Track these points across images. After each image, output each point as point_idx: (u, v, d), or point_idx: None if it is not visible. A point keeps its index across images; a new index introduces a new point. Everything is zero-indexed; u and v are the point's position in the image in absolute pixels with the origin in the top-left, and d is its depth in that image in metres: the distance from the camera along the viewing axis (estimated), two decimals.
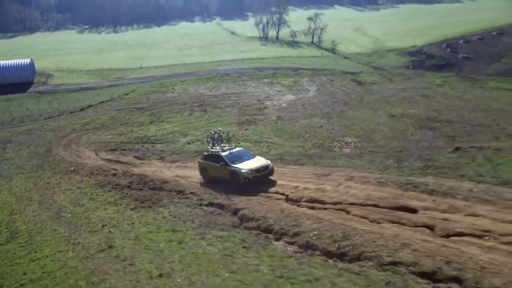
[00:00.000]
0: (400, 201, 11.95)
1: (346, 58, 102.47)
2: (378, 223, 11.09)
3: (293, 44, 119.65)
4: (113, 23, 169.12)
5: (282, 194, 14.85)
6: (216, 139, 19.97)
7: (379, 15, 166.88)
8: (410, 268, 8.62)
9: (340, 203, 12.51)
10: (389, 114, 33.18)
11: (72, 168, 24.00)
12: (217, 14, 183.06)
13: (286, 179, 16.46)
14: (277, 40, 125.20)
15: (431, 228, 10.09)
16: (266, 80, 45.16)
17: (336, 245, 9.94)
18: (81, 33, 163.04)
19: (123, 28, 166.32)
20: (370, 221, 11.30)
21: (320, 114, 34.16)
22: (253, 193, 16.15)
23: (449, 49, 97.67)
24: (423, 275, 8.42)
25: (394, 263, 8.88)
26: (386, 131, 30.17)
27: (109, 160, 24.96)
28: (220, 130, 20.78)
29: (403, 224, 10.52)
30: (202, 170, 18.94)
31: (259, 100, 38.83)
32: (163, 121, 35.96)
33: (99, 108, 43.38)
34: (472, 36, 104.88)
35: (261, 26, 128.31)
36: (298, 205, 13.40)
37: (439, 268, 8.36)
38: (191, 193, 17.13)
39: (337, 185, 14.04)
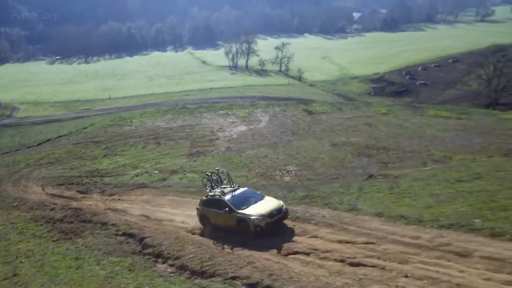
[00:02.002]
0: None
1: (311, 85, 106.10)
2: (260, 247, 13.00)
3: (261, 72, 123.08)
4: (85, 53, 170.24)
5: (184, 223, 16.26)
6: (215, 181, 17.30)
7: (346, 43, 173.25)
8: (244, 281, 10.63)
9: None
10: (332, 142, 35.00)
11: (15, 204, 24.67)
12: (189, 44, 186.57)
13: (193, 208, 17.66)
14: (246, 69, 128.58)
15: (278, 249, 12.04)
16: (222, 111, 46.81)
17: (200, 265, 11.65)
18: (51, 64, 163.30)
19: (94, 58, 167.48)
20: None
21: (267, 144, 35.74)
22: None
23: (408, 76, 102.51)
24: (250, 285, 10.56)
25: (234, 278, 10.80)
26: (326, 159, 31.87)
27: (53, 195, 25.73)
28: (217, 169, 17.89)
29: (263, 246, 12.41)
30: (202, 218, 16.49)
31: (212, 132, 40.30)
32: (116, 154, 36.87)
33: (56, 143, 44.02)
34: (430, 63, 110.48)
35: (230, 55, 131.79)
36: (194, 233, 15.03)
37: (261, 279, 10.11)
38: (112, 224, 18.18)
39: None
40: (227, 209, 15.25)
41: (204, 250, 12.63)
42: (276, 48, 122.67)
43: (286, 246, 12.16)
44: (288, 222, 14.13)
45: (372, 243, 11.56)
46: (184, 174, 30.64)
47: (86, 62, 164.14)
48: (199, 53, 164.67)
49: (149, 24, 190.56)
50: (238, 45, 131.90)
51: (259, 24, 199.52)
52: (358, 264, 10.36)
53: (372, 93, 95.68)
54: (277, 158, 32.72)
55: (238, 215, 14.89)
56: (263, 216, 14.43)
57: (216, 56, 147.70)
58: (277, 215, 14.63)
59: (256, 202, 15.31)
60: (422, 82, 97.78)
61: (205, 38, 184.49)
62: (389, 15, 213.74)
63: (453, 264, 10.09)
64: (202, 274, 11.70)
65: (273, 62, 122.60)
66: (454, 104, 79.38)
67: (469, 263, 9.51)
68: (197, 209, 16.75)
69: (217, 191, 16.58)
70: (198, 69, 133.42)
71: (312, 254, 11.51)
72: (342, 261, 10.58)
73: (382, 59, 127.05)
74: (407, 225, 11.37)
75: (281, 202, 15.28)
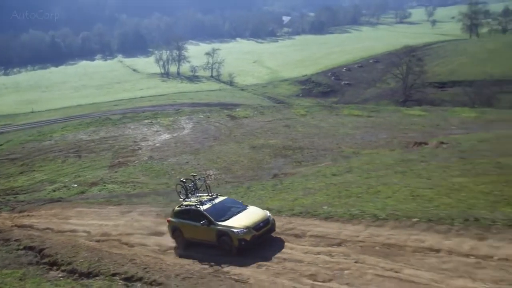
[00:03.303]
0: (158, 228, 15.29)
1: (243, 90, 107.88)
2: (132, 246, 14.01)
3: (193, 79, 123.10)
4: (4, 65, 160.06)
5: (86, 232, 16.72)
6: (190, 188, 15.20)
7: (277, 47, 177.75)
8: (122, 276, 11.98)
9: (120, 234, 14.98)
10: (251, 145, 36.54)
11: None
12: (119, 52, 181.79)
13: (97, 218, 18.22)
14: (178, 75, 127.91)
15: (159, 246, 13.39)
16: (146, 121, 46.88)
17: (88, 267, 12.54)
18: None
19: (15, 70, 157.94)
20: (129, 246, 13.96)
21: (190, 151, 36.54)
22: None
23: (333, 77, 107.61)
24: (126, 279, 11.76)
25: (114, 274, 11.89)
26: (245, 162, 33.30)
27: None
28: (193, 175, 15.90)
29: (148, 245, 13.57)
30: (174, 231, 14.23)
31: (135, 142, 40.34)
32: (34, 170, 35.84)
33: None
34: (354, 64, 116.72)
35: (161, 62, 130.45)
36: (91, 240, 15.61)
37: (136, 273, 11.38)
38: (16, 240, 18.15)
39: (130, 220, 16.44)
40: (205, 221, 13.09)
41: (94, 254, 13.44)
42: (207, 53, 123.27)
43: (164, 243, 13.40)
44: None
45: None
46: (104, 186, 30.62)
47: (6, 74, 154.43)
48: (130, 61, 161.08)
49: (75, 33, 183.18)
50: (168, 52, 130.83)
51: (190, 30, 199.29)
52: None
53: (300, 95, 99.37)
54: (198, 164, 33.64)
55: (219, 227, 12.78)
56: (249, 229, 12.49)
57: (147, 63, 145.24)
58: (264, 227, 12.78)
59: (238, 212, 13.41)
60: (346, 82, 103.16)
61: (135, 46, 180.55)
62: (317, 19, 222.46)
63: (288, 244, 12.40)
64: (88, 275, 12.57)
65: (205, 68, 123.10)
66: (375, 102, 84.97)
67: (299, 241, 11.83)
68: (168, 221, 14.56)
69: (193, 200, 14.42)
70: (129, 78, 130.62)
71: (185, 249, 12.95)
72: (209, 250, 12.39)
73: (310, 61, 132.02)
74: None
75: (267, 212, 13.37)
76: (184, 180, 15.41)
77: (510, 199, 9.99)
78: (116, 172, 33.16)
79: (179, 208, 14.47)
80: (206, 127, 43.13)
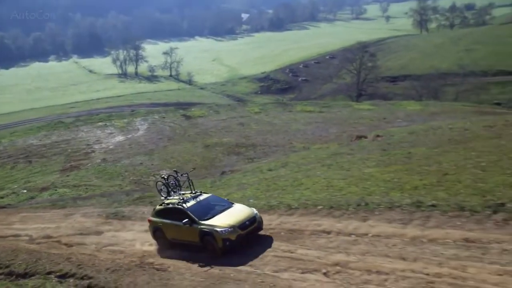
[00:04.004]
0: (98, 227, 15.70)
1: (202, 88, 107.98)
2: (71, 246, 14.36)
3: (152, 78, 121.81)
4: None
5: (28, 235, 16.76)
6: (172, 186, 14.01)
7: (236, 44, 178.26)
8: (57, 273, 12.33)
9: (61, 236, 15.29)
10: (205, 144, 37.03)
11: None
12: (74, 52, 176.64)
13: (40, 221, 18.19)
14: (136, 76, 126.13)
15: (96, 244, 13.90)
16: (100, 123, 46.33)
17: (25, 268, 12.85)
18: None
19: None
20: (68, 246, 14.39)
21: (144, 152, 36.61)
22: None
23: (291, 74, 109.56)
24: (61, 276, 12.21)
25: (49, 273, 12.40)
26: (198, 160, 33.80)
27: None
28: (175, 171, 14.47)
29: (86, 244, 14.00)
30: (156, 232, 13.36)
31: (88, 145, 39.91)
32: None
33: None
34: (311, 60, 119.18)
35: (118, 63, 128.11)
36: (32, 243, 15.69)
37: (70, 269, 12.05)
38: None
39: (72, 221, 16.74)
40: (187, 220, 12.16)
41: (33, 256, 13.62)
42: (165, 53, 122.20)
43: (102, 241, 13.88)
44: (115, 222, 15.54)
45: None
46: (55, 190, 30.25)
47: None
48: (86, 61, 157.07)
49: (26, 33, 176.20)
50: (126, 52, 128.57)
51: (148, 29, 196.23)
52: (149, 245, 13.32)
53: (259, 92, 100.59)
54: (152, 164, 33.84)
55: (202, 227, 11.93)
56: (233, 227, 11.61)
57: (104, 64, 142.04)
58: (250, 225, 11.86)
59: (223, 210, 12.51)
60: (304, 78, 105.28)
61: (91, 46, 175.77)
62: (275, 15, 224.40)
63: None
64: (25, 275, 12.80)
65: (163, 68, 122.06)
66: (332, 97, 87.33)
67: None
68: (149, 220, 13.66)
69: (175, 198, 13.35)
70: (85, 79, 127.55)
71: (119, 245, 13.50)
72: (141, 245, 13.15)
73: (269, 58, 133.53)
74: None
75: (254, 210, 12.42)
76: (165, 177, 14.19)
77: (403, 186, 11.19)
78: (68, 176, 32.80)
79: (161, 207, 13.55)
80: (161, 128, 43.21)
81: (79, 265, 11.79)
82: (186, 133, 40.83)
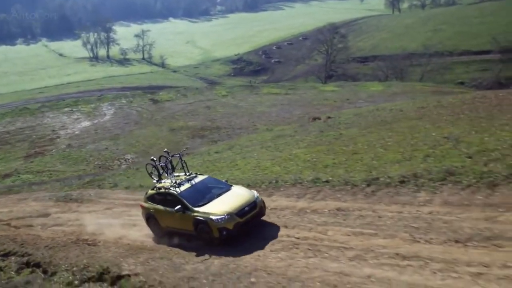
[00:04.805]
0: (46, 210, 16.39)
1: (175, 71, 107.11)
2: (19, 228, 15.09)
3: (124, 62, 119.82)
4: None
5: None
6: (165, 168, 12.58)
7: (210, 26, 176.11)
8: (1, 252, 12.72)
9: (11, 219, 15.94)
10: (170, 128, 37.58)
11: None
12: (43, 35, 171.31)
13: None
14: (108, 59, 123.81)
15: (42, 225, 14.66)
16: (66, 109, 46.15)
17: None
18: None
19: None
20: (16, 228, 15.09)
21: (109, 137, 36.92)
22: None
23: (264, 55, 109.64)
24: (4, 255, 12.56)
25: None
26: (163, 144, 34.20)
27: None
28: (167, 151, 12.98)
29: (33, 226, 14.76)
30: (149, 219, 12.25)
31: (53, 131, 39.88)
32: None
33: None
34: (284, 42, 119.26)
35: (89, 46, 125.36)
36: None
37: (13, 248, 12.71)
38: None
39: (24, 205, 17.38)
40: (179, 206, 10.94)
41: None
42: (136, 35, 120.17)
43: (48, 222, 14.62)
44: (60, 204, 16.21)
45: (109, 208, 15.03)
46: (18, 176, 30.45)
47: None
48: (55, 44, 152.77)
49: None
50: (96, 35, 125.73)
51: (120, 10, 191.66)
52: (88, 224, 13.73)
53: (232, 74, 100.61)
54: (117, 149, 34.26)
55: (195, 214, 10.65)
56: (230, 215, 10.30)
57: (74, 47, 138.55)
58: (250, 211, 10.51)
59: (220, 194, 11.19)
60: (277, 60, 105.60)
61: (61, 28, 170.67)
62: None
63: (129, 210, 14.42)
64: None
65: (135, 51, 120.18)
66: (304, 78, 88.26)
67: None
68: (142, 206, 12.49)
69: (167, 181, 12.08)
70: (55, 63, 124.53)
71: (63, 225, 14.28)
72: (81, 225, 13.73)
73: (243, 39, 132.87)
74: (140, 191, 15.21)
75: (255, 193, 11.07)
76: (155, 159, 12.71)
77: (316, 165, 12.17)
78: (32, 162, 32.96)
79: (153, 191, 12.25)
80: (128, 112, 43.41)
81: (21, 244, 12.44)
82: (153, 117, 41.19)
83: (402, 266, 6.99)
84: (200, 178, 12.01)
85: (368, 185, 9.94)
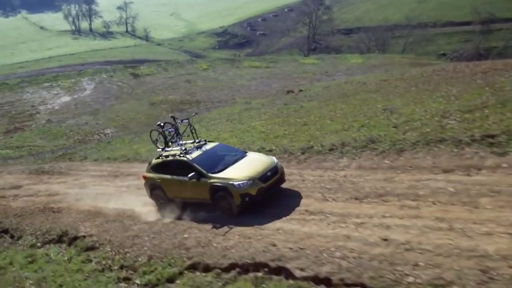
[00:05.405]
0: (19, 182, 17.10)
1: (159, 45, 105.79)
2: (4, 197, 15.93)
3: (107, 35, 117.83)
4: None
5: None
6: (171, 135, 11.57)
7: None
8: None
9: None
10: (150, 102, 37.90)
11: None
12: (22, 7, 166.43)
13: None
14: (91, 32, 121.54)
15: (14, 196, 15.52)
16: (46, 84, 45.96)
17: None
18: None
19: None
20: None
21: (89, 112, 37.18)
22: None
23: (249, 28, 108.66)
24: None
25: None
26: (142, 118, 34.79)
27: None
28: (173, 117, 11.82)
29: (5, 197, 15.56)
30: (154, 190, 11.36)
31: (33, 106, 39.93)
32: None
33: None
34: (269, 14, 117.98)
35: (71, 18, 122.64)
36: None
37: None
38: None
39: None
40: (194, 173, 10.09)
41: None
42: (119, 7, 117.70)
43: (19, 193, 15.39)
44: (33, 176, 16.92)
45: (77, 179, 15.72)
46: None
47: None
48: (36, 17, 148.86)
49: None
50: (77, 7, 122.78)
51: None
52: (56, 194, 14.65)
53: (217, 47, 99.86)
54: (97, 124, 34.62)
55: (213, 181, 9.93)
56: (253, 179, 9.67)
57: (56, 19, 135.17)
58: (272, 176, 9.91)
59: (236, 161, 10.44)
60: (262, 32, 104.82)
61: (41, 0, 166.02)
62: None
63: (109, 184, 14.75)
64: None
65: (118, 24, 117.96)
66: (288, 51, 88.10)
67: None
68: (144, 177, 11.52)
69: (174, 148, 11.17)
70: (36, 36, 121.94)
71: (33, 195, 15.07)
72: (50, 195, 14.55)
73: (229, 11, 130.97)
74: (107, 163, 16.26)
75: (274, 159, 10.45)
76: (162, 124, 11.48)
77: (269, 136, 12.90)
78: (11, 137, 33.24)
79: (158, 160, 11.29)
80: (108, 87, 43.45)
81: None
82: (133, 91, 41.36)
83: (307, 220, 8.22)
84: (211, 144, 11.25)
85: (303, 153, 10.86)
